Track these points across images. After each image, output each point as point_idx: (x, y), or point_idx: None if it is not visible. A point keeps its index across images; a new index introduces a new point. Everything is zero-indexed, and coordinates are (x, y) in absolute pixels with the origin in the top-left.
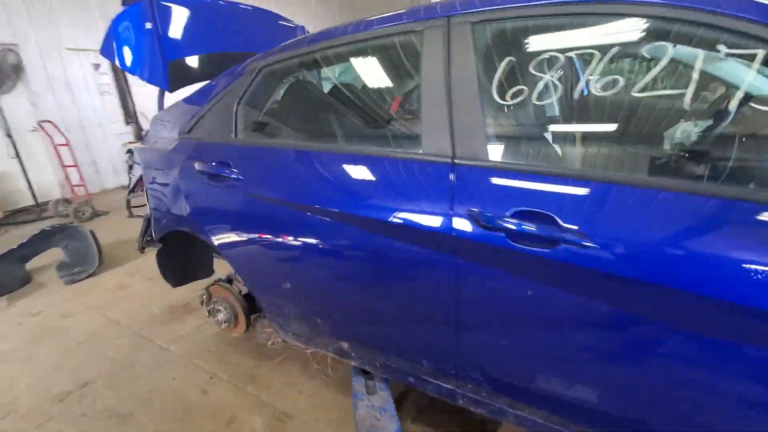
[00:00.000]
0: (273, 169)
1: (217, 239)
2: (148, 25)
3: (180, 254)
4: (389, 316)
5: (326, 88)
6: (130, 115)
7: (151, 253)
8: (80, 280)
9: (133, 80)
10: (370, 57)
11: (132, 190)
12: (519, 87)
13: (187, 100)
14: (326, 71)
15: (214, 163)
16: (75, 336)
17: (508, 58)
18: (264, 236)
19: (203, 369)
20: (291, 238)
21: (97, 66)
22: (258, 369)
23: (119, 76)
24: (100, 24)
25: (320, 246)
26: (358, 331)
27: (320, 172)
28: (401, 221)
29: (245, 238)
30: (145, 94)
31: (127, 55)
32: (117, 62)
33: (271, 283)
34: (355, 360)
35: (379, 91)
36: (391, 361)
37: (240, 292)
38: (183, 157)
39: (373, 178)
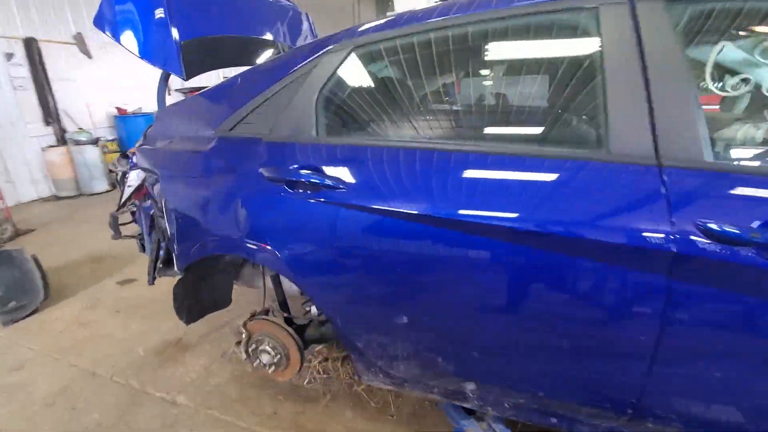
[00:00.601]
0: (394, 176)
1: (296, 265)
2: None
3: (198, 284)
4: (558, 351)
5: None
6: (50, 113)
7: (109, 280)
8: (22, 319)
9: (54, 73)
10: (509, 39)
11: (123, 205)
12: (743, 76)
13: (216, 91)
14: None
15: (292, 169)
16: (38, 396)
17: (722, 43)
18: (376, 259)
19: (234, 425)
20: (420, 260)
21: (9, 56)
22: (303, 416)
23: (37, 68)
24: (11, 2)
25: (466, 269)
26: (504, 370)
27: (473, 180)
28: (593, 236)
29: (343, 263)
30: (69, 89)
31: (129, 28)
32: (113, 37)
33: (379, 317)
34: (475, 401)
35: (524, 80)
36: (534, 401)
37: (292, 325)
38: (235, 160)
39: (547, 185)
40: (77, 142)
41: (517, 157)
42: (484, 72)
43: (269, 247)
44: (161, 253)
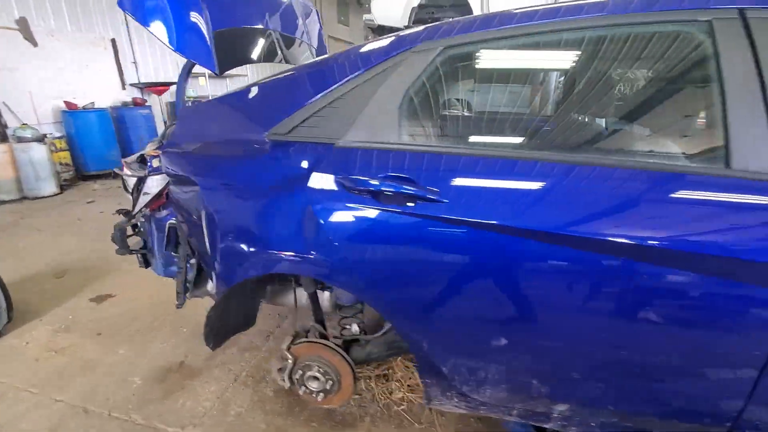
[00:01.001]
0: (511, 189)
1: (380, 285)
2: None
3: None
4: (668, 368)
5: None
6: None
7: (80, 297)
8: None
9: None
10: (619, 47)
11: (133, 216)
12: None
13: (262, 90)
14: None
15: (380, 178)
16: None
17: None
18: (484, 279)
19: None
20: (532, 278)
21: None
22: None
23: None
24: None
25: (584, 289)
26: (607, 391)
27: (601, 196)
28: (713, 252)
29: (442, 283)
30: (11, 80)
31: (158, 11)
32: (139, 21)
33: (478, 341)
34: (559, 422)
35: (639, 92)
36: (629, 419)
37: (343, 346)
38: (300, 167)
39: (678, 203)
40: (20, 139)
41: (643, 172)
42: (597, 81)
43: (344, 266)
44: (190, 271)
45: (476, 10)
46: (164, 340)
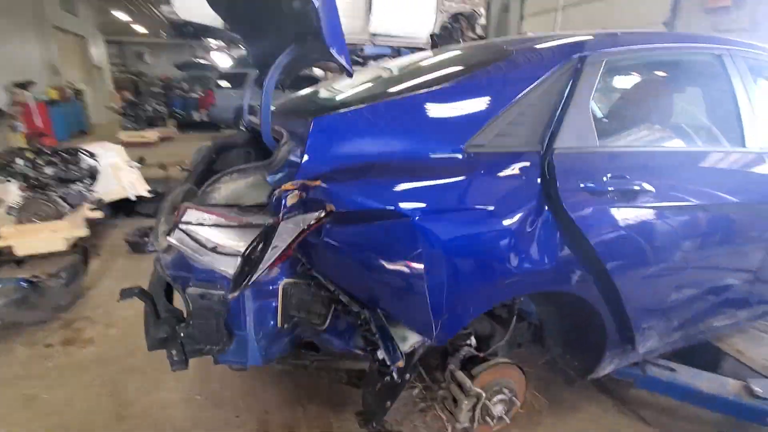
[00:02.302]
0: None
1: (617, 273)
2: None
3: None
4: None
5: None
6: None
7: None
8: None
9: None
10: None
11: (248, 282)
12: None
13: (438, 98)
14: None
15: (627, 179)
16: None
17: None
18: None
19: None
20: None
21: None
22: None
23: None
24: None
25: None
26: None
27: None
28: None
29: (659, 256)
30: None
31: None
32: None
33: (667, 296)
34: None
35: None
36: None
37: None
38: (529, 176)
39: None
40: None
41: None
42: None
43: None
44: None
45: None
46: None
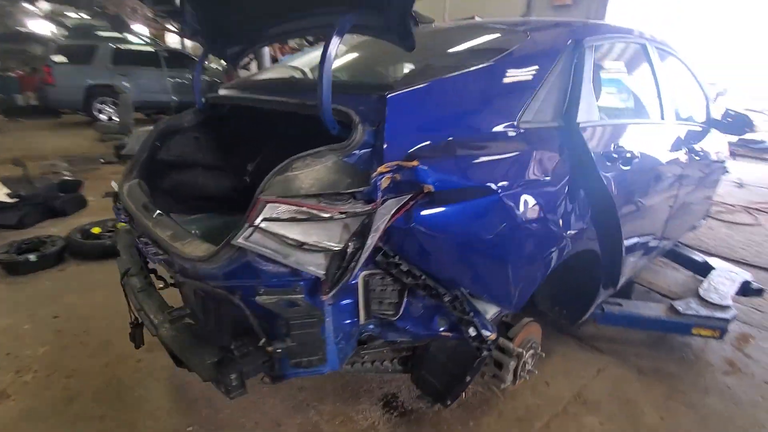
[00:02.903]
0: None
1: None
2: None
3: None
4: None
5: None
6: None
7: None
8: None
9: None
10: None
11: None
12: None
13: (490, 75)
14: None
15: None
16: None
17: None
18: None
19: None
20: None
21: None
22: None
23: None
24: None
25: None
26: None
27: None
28: None
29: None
30: None
31: None
32: None
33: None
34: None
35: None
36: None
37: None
38: (583, 147)
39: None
40: None
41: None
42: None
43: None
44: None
45: None
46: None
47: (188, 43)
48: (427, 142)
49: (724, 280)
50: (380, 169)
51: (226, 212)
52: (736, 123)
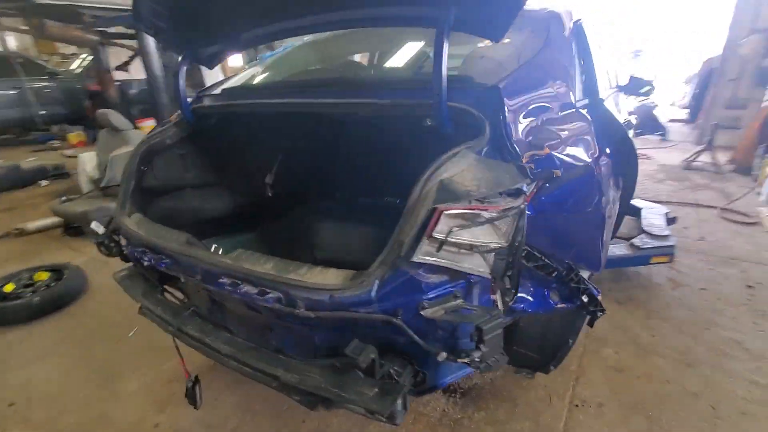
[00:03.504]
0: None
1: None
2: None
3: None
4: None
5: None
6: None
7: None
8: None
9: None
10: None
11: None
12: None
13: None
14: None
15: None
16: None
17: None
18: None
19: None
20: None
21: None
22: None
23: None
24: None
25: None
26: None
27: None
28: None
29: None
30: None
31: None
32: None
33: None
34: None
35: None
36: None
37: None
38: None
39: None
40: None
41: None
42: None
43: None
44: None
45: None
46: None
47: (12, 43)
48: (532, 125)
49: (654, 215)
50: (542, 152)
51: (227, 233)
52: (634, 85)
